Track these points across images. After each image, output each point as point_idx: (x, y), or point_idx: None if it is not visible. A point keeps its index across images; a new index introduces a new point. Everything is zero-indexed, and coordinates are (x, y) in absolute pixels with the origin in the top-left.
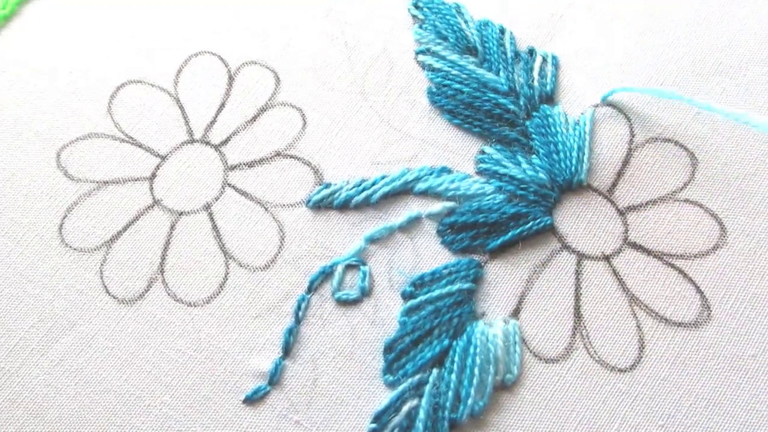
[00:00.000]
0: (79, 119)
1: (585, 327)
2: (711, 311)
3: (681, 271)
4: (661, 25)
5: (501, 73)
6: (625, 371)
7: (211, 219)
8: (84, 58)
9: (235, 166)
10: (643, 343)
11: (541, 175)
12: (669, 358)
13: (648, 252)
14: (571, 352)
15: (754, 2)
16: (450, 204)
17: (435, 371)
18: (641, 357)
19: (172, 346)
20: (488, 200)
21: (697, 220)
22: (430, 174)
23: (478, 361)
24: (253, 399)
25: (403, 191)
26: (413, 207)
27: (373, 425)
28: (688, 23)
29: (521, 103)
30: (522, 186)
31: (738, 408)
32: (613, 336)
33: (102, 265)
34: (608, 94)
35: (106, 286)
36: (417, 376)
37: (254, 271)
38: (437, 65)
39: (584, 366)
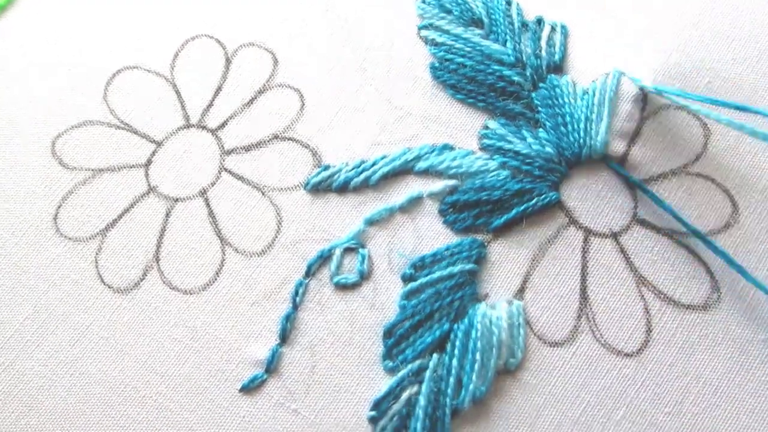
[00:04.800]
0: (75, 107)
1: (591, 309)
2: (721, 293)
3: (691, 251)
4: None
5: (507, 44)
6: (632, 356)
7: (207, 205)
8: (79, 45)
9: (232, 151)
10: (651, 326)
11: (547, 149)
12: (677, 342)
13: (657, 229)
14: (577, 336)
15: None
16: (452, 182)
17: (435, 356)
18: (648, 341)
19: (167, 335)
20: (492, 177)
21: (708, 196)
22: (431, 152)
23: (479, 345)
24: (250, 387)
25: (403, 171)
26: (414, 187)
27: (373, 412)
28: None
29: (527, 73)
30: (527, 161)
31: (748, 394)
32: (620, 319)
33: (97, 254)
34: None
35: (101, 276)
36: (417, 362)
37: (251, 256)
38: (440, 39)
39: (590, 350)
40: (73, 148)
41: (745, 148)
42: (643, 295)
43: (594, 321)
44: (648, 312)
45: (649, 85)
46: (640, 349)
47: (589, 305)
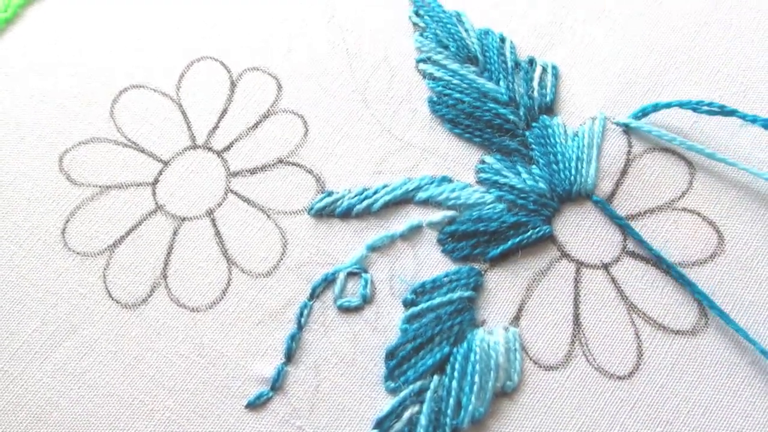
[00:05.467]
0: (82, 124)
1: (584, 334)
2: (708, 319)
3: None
4: (659, 35)
5: (501, 83)
6: (624, 378)
7: (214, 225)
8: (86, 62)
9: (238, 173)
10: (642, 350)
11: (540, 184)
12: (667, 365)
13: (646, 260)
14: (571, 360)
15: (752, 10)
16: (450, 213)
17: (436, 378)
18: (640, 364)
19: (174, 350)
20: (488, 209)
21: (695, 228)
22: (431, 183)
23: (478, 368)
24: (256, 404)
25: (404, 200)
26: (414, 216)
27: (375, 431)
28: (687, 32)
29: (521, 113)
30: (522, 195)
31: (735, 415)
32: (612, 343)
33: (105, 269)
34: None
35: (109, 291)
36: (418, 383)
37: (257, 277)
38: (438, 74)
39: (583, 373)
40: (80, 164)
41: (730, 183)
42: (633, 322)
43: (587, 346)
44: (639, 337)
45: (632, 124)
46: (631, 373)
47: (582, 331)
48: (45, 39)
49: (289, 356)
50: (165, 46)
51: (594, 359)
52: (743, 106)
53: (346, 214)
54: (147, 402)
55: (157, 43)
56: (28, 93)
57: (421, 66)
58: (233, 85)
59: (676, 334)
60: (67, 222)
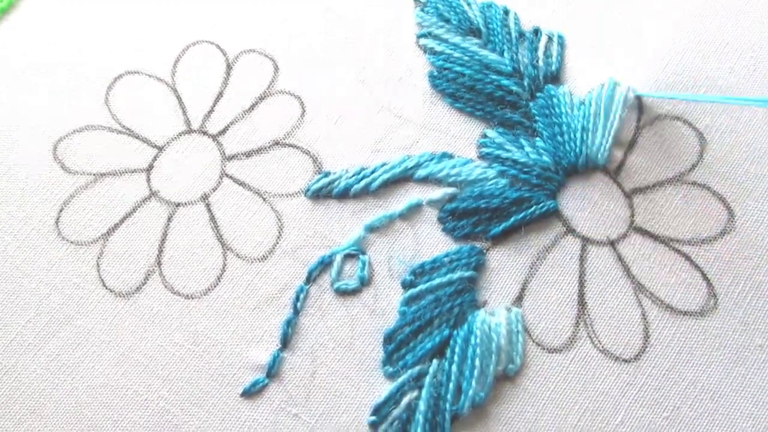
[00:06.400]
0: (76, 111)
1: (589, 316)
2: (717, 300)
3: (688, 258)
4: (668, 6)
5: (505, 54)
6: (630, 361)
7: (209, 210)
8: (81, 49)
9: (233, 156)
10: (648, 332)
11: (544, 157)
12: (674, 348)
13: (654, 237)
14: (575, 342)
15: None
16: (451, 190)
17: (435, 362)
18: (646, 347)
19: (169, 339)
20: (490, 185)
21: (704, 204)
22: (431, 160)
23: (479, 351)
24: (251, 392)
25: (403, 178)
26: (413, 194)
27: (373, 417)
28: (696, 4)
29: (525, 83)
30: (525, 170)
31: (744, 399)
32: (618, 325)
33: (99, 258)
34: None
35: (102, 280)
36: (417, 368)
37: (252, 262)
38: (439, 48)
39: (588, 356)
40: (74, 152)
41: (741, 156)
42: (640, 302)
43: (592, 327)
44: (645, 318)
45: (644, 92)
46: (637, 355)
47: (587, 312)
48: (40, 27)
49: (285, 342)
50: (160, 30)
51: (599, 341)
52: (753, 80)
53: (344, 195)
54: (141, 392)
55: (152, 28)
56: (23, 81)
57: (422, 41)
58: (229, 67)
59: (684, 315)
60: (60, 211)
